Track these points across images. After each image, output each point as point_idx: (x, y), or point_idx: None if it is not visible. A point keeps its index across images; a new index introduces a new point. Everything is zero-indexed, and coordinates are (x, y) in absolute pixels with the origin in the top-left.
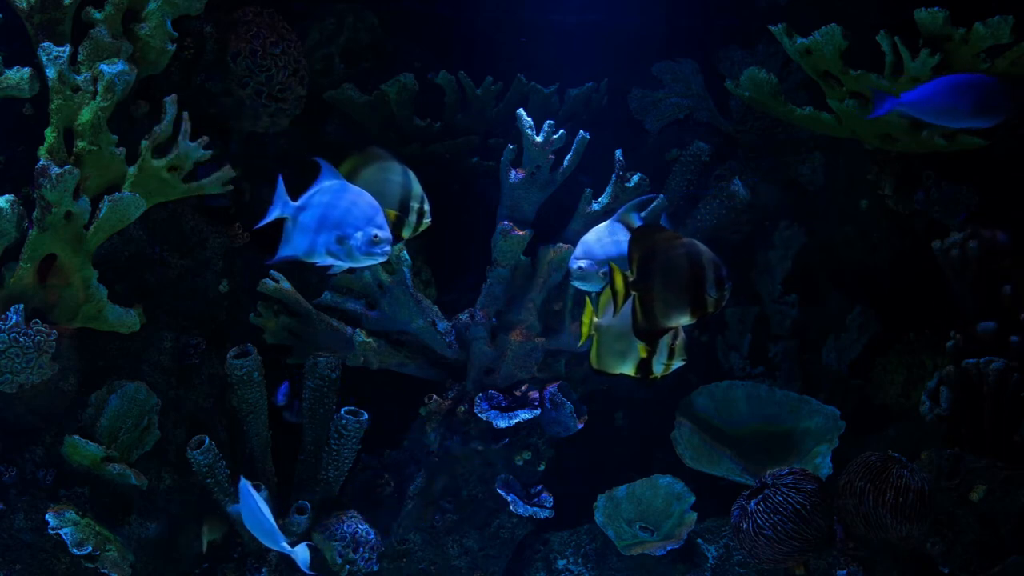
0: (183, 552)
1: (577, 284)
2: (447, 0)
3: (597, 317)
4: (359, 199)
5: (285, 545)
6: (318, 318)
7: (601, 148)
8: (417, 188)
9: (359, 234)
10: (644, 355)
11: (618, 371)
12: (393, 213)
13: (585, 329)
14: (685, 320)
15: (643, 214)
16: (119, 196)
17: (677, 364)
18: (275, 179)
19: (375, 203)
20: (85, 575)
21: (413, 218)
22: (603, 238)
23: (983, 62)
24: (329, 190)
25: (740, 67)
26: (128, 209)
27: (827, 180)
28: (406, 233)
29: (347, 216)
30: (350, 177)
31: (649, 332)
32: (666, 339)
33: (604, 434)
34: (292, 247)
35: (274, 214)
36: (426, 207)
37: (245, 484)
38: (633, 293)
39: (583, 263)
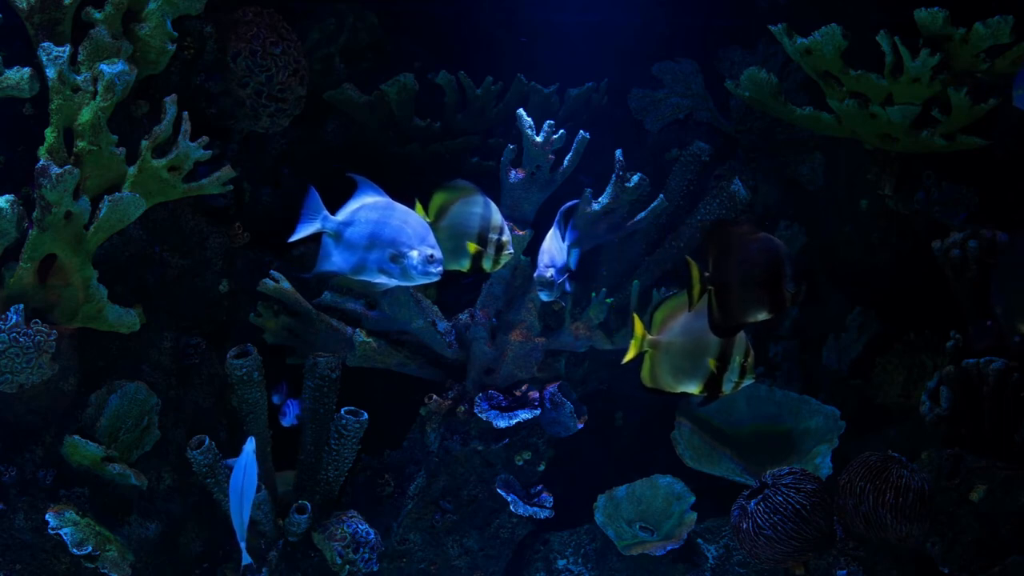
0: (183, 552)
1: (542, 294)
2: (447, 0)
3: (652, 333)
4: (409, 217)
5: (242, 541)
6: (318, 318)
7: (601, 148)
8: (497, 219)
9: (414, 253)
10: (715, 371)
11: (678, 390)
12: (474, 246)
13: (636, 345)
14: (762, 316)
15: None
16: (119, 196)
17: (747, 382)
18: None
19: (424, 221)
20: (85, 575)
21: (492, 250)
22: (554, 246)
23: (983, 62)
24: (375, 207)
25: (740, 67)
26: (128, 209)
27: (827, 180)
28: (486, 265)
29: (400, 234)
30: (440, 213)
31: (728, 328)
32: (738, 357)
33: (604, 434)
34: (334, 263)
35: (311, 228)
36: (505, 238)
37: (250, 447)
38: (709, 288)
39: (551, 272)
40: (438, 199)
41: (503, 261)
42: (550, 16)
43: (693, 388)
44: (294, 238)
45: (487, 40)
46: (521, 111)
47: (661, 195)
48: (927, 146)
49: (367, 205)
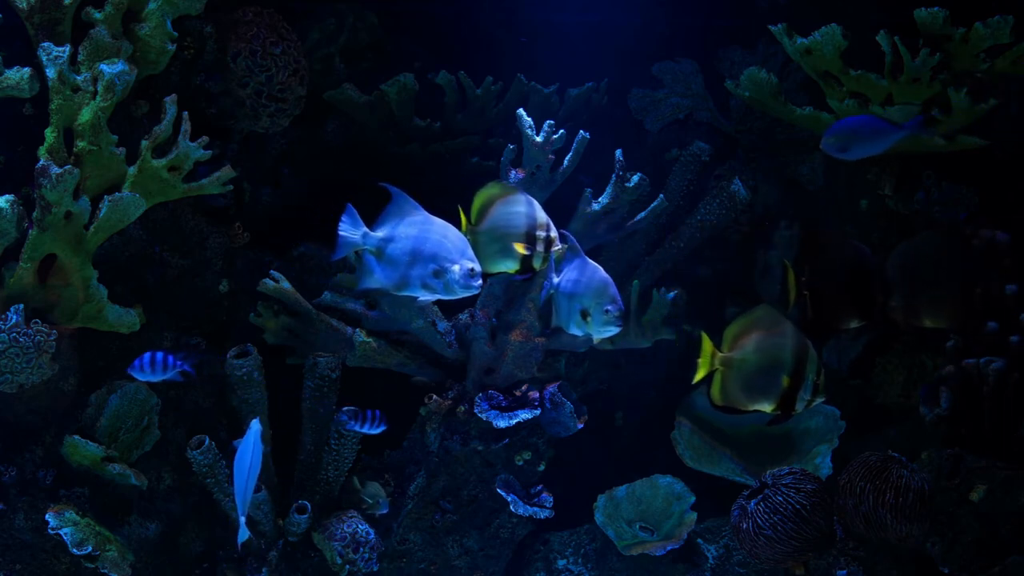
0: (183, 552)
1: (612, 330)
2: (447, 0)
3: (723, 350)
4: (448, 231)
5: (242, 516)
6: (318, 318)
7: (601, 148)
8: (541, 216)
9: (456, 268)
10: (788, 388)
11: (751, 407)
12: (521, 247)
13: (705, 363)
14: (855, 323)
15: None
16: (119, 196)
17: (819, 401)
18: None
19: (461, 234)
20: (85, 575)
21: (541, 247)
22: (608, 277)
23: (983, 62)
24: (414, 222)
25: (740, 67)
26: (128, 209)
27: (827, 180)
28: (536, 264)
29: (441, 249)
30: (480, 217)
31: (822, 333)
32: (811, 375)
33: (604, 434)
34: (376, 280)
35: (353, 245)
36: (552, 233)
37: (255, 428)
38: (805, 294)
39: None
40: (478, 202)
41: (554, 258)
42: (550, 16)
43: (766, 406)
44: (337, 257)
45: (487, 40)
46: (521, 111)
47: (661, 195)
48: (927, 146)
49: (406, 220)
